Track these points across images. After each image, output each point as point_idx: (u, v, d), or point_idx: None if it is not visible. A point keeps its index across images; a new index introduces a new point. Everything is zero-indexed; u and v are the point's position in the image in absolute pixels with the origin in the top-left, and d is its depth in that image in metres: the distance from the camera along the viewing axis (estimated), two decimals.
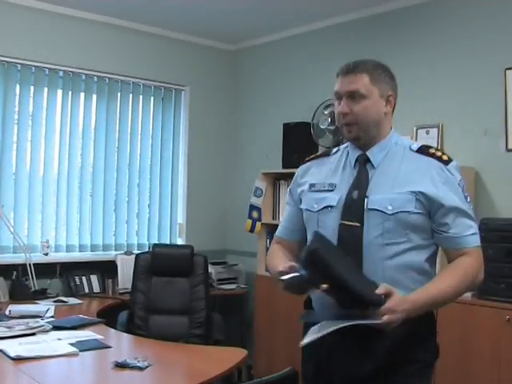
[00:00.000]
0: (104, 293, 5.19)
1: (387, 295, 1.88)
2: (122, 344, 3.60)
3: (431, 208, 2.07)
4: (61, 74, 5.29)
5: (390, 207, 2.06)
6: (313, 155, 2.42)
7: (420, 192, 2.06)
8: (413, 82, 4.72)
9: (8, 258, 4.86)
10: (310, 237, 2.23)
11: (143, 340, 3.76)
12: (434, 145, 4.57)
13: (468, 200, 2.12)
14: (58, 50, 5.19)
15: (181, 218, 6.07)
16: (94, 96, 5.49)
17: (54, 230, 5.26)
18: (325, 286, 1.88)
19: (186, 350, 3.51)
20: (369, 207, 2.09)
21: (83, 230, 5.41)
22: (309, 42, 5.60)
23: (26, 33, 5.02)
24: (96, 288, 5.19)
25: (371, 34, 5.10)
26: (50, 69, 5.21)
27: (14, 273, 4.76)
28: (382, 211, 2.07)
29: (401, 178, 2.11)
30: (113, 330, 3.76)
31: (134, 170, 5.75)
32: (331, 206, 2.17)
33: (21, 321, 3.61)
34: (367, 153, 2.18)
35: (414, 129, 4.68)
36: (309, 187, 2.28)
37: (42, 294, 4.76)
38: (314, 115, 5.06)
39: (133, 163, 5.73)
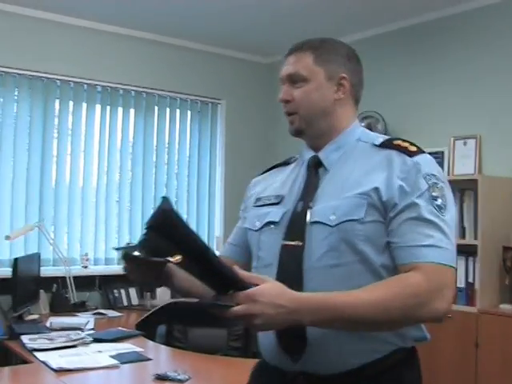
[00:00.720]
0: (142, 305, 5.20)
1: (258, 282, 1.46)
2: (161, 356, 3.59)
3: (388, 214, 1.58)
4: (99, 89, 5.35)
5: (332, 217, 1.59)
6: (274, 164, 2.00)
7: (373, 190, 1.57)
8: (451, 92, 4.67)
9: (48, 271, 4.90)
10: (254, 261, 1.80)
11: (182, 352, 3.74)
12: (472, 156, 4.51)
13: (438, 203, 1.58)
14: (97, 65, 5.25)
15: (218, 231, 6.06)
16: (132, 110, 5.54)
17: (93, 244, 5.29)
18: (178, 257, 1.44)
19: (224, 362, 3.49)
20: (311, 220, 1.64)
21: (122, 243, 5.43)
22: None
23: (66, 49, 5.10)
24: (134, 301, 5.19)
25: (411, 44, 5.06)
26: (88, 84, 5.28)
27: (55, 285, 4.80)
28: (324, 223, 1.61)
29: (352, 179, 1.64)
30: (152, 343, 3.75)
31: (172, 183, 5.77)
32: (273, 223, 1.73)
33: (62, 333, 3.63)
34: (319, 154, 1.75)
35: (452, 140, 4.61)
36: (254, 201, 1.86)
37: (81, 307, 4.79)
38: None
39: (170, 177, 5.75)
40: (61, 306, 4.69)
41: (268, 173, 1.96)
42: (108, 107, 5.39)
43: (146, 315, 1.26)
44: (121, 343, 3.52)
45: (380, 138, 1.72)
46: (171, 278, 1.67)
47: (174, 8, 4.87)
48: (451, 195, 1.64)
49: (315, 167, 1.75)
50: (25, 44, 4.91)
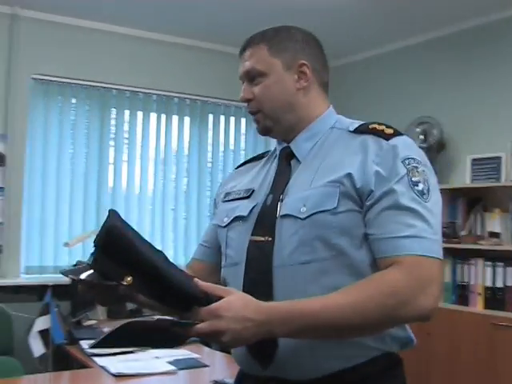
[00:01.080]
0: None
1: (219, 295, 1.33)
2: (218, 363, 3.56)
3: (363, 202, 1.44)
4: (154, 97, 5.39)
5: (303, 209, 1.46)
6: (245, 160, 1.90)
7: (346, 177, 1.44)
8: (509, 97, 4.54)
9: None
10: (223, 260, 1.67)
11: None
12: None
13: (420, 188, 1.43)
14: (152, 74, 5.29)
15: None
16: (187, 118, 5.56)
17: None
18: (129, 278, 1.29)
19: None
20: (281, 214, 1.51)
21: (178, 250, 5.46)
22: (409, 56, 5.44)
23: (122, 59, 5.16)
24: None
25: (468, 48, 4.93)
26: (144, 93, 5.32)
27: None
28: (295, 216, 1.47)
29: (324, 167, 1.51)
30: (208, 349, 3.74)
31: None
32: (242, 218, 1.61)
33: None
34: (291, 144, 1.62)
35: (510, 145, 4.47)
36: (224, 196, 1.74)
37: (137, 313, 4.80)
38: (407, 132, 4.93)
39: None
40: (118, 312, 4.71)
41: (240, 168, 1.85)
42: (163, 115, 5.42)
43: (100, 338, 1.15)
44: (178, 349, 3.51)
45: (355, 124, 1.58)
46: (135, 296, 1.52)
47: (231, 17, 4.87)
48: (434, 179, 1.50)
49: (287, 159, 1.62)
50: (82, 54, 4.99)
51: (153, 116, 5.40)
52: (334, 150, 1.54)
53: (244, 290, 1.47)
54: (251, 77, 1.61)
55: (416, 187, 1.43)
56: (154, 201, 5.35)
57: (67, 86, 5.00)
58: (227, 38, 5.37)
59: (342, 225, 1.43)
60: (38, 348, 3.34)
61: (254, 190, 1.64)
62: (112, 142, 5.20)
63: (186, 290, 1.31)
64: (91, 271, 1.36)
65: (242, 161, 1.93)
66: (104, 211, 5.04)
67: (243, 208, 1.62)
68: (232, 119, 5.80)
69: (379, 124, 1.54)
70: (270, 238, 1.50)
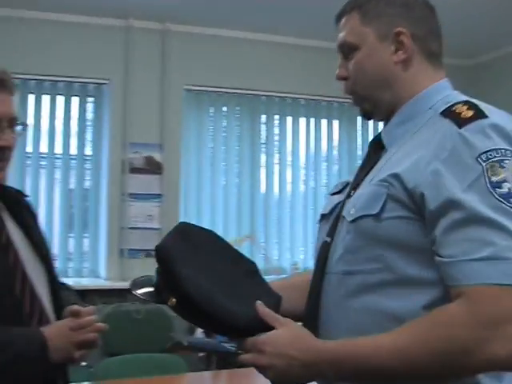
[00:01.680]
0: None
1: (268, 326, 1.19)
2: None
3: (420, 208, 1.15)
4: (302, 102, 5.39)
5: (352, 210, 1.24)
6: None
7: (392, 177, 1.17)
8: None
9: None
10: None
11: None
12: None
13: (503, 191, 1.08)
14: (300, 80, 5.28)
15: None
16: (336, 121, 5.50)
17: (303, 254, 5.30)
18: (173, 300, 1.24)
19: None
20: (342, 213, 1.30)
21: None
22: None
23: (268, 66, 5.20)
24: None
25: None
26: (292, 98, 5.34)
27: None
28: (345, 217, 1.27)
29: (393, 160, 1.24)
30: None
31: None
32: (324, 215, 1.42)
33: None
34: (381, 130, 1.36)
35: None
36: (332, 189, 1.53)
37: None
38: None
39: None
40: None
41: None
42: (312, 119, 5.40)
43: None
44: None
45: (449, 103, 1.23)
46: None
47: None
48: None
49: (375, 148, 1.36)
50: (230, 64, 5.10)
51: (302, 120, 5.40)
52: (414, 139, 1.25)
53: (307, 297, 1.35)
54: (345, 51, 1.36)
55: (498, 190, 1.09)
56: (305, 204, 5.34)
57: (218, 95, 5.13)
58: None
59: (387, 234, 1.18)
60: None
61: (348, 183, 1.42)
62: (263, 147, 5.27)
63: (230, 321, 1.22)
64: (150, 288, 1.34)
65: None
66: (257, 215, 5.11)
67: (328, 205, 1.43)
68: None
69: (465, 103, 1.21)
70: (330, 240, 1.31)
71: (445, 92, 1.31)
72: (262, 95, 5.26)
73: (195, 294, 1.22)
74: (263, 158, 5.25)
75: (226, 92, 5.13)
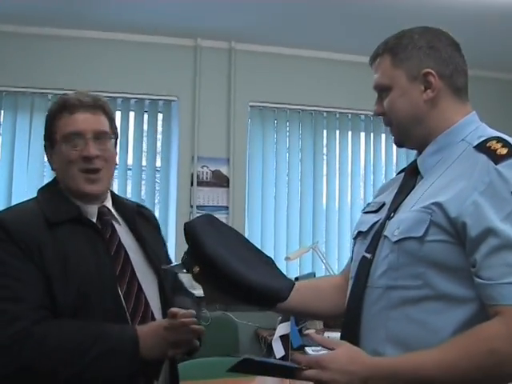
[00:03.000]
0: None
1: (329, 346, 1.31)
2: None
3: (460, 234, 1.28)
4: (362, 117, 5.44)
5: (396, 232, 1.37)
6: (402, 169, 1.72)
7: (436, 205, 1.30)
8: None
9: None
10: None
11: None
12: None
13: None
14: (359, 96, 5.31)
15: None
16: None
17: None
18: (197, 268, 1.39)
19: None
20: (384, 233, 1.42)
21: None
22: None
23: (330, 83, 5.27)
24: None
25: None
26: (352, 114, 5.39)
27: None
28: (389, 238, 1.39)
29: (433, 188, 1.37)
30: None
31: None
32: (361, 232, 1.55)
33: None
34: (418, 158, 1.48)
35: None
36: (364, 208, 1.68)
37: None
38: None
39: None
40: (334, 322, 4.76)
41: (395, 177, 1.71)
42: (371, 134, 5.45)
43: (231, 366, 1.25)
44: None
45: (481, 138, 1.37)
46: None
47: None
48: None
49: (413, 173, 1.50)
50: (292, 80, 5.18)
51: (362, 135, 5.45)
52: (451, 169, 1.38)
53: (346, 307, 1.49)
54: (379, 91, 1.51)
55: None
56: None
57: (281, 111, 5.22)
58: None
59: (429, 255, 1.31)
60: (279, 351, 3.49)
61: (384, 204, 1.55)
62: (324, 161, 5.33)
63: (244, 284, 1.37)
64: (177, 262, 1.52)
65: None
66: (319, 226, 5.17)
67: (366, 223, 1.55)
68: None
69: (498, 140, 1.33)
70: (371, 257, 1.44)
71: (474, 125, 1.45)
72: (323, 111, 5.32)
73: (215, 259, 1.37)
74: (324, 170, 5.31)
75: (289, 108, 5.22)
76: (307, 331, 4.44)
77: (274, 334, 3.51)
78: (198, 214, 4.81)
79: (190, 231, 1.44)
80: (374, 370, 1.28)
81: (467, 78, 1.49)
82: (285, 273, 4.89)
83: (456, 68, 1.46)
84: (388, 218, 1.46)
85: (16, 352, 1.46)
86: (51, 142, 1.72)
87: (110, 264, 1.64)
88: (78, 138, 1.67)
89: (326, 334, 4.26)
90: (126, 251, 1.70)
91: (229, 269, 1.40)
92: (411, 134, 1.48)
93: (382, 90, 1.50)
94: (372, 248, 1.46)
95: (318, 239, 5.06)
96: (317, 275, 4.95)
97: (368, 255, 1.45)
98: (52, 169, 1.77)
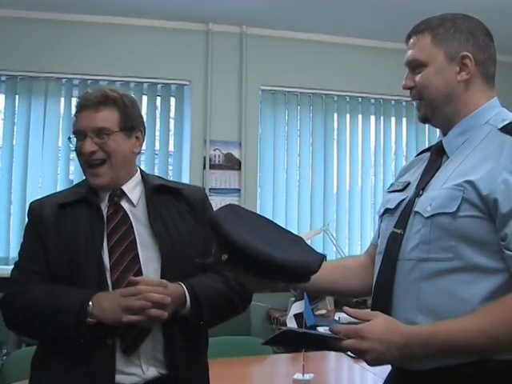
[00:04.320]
0: None
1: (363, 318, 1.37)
2: None
3: (491, 210, 1.34)
4: (372, 101, 5.40)
5: (428, 208, 1.42)
6: (421, 150, 1.79)
7: (468, 183, 1.36)
8: None
9: None
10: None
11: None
12: None
13: None
14: (369, 80, 5.29)
15: None
16: (404, 120, 5.49)
17: None
18: (225, 255, 1.44)
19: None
20: (415, 209, 1.48)
21: None
22: None
23: (339, 66, 5.24)
24: None
25: None
26: (363, 97, 5.36)
27: None
28: (421, 214, 1.45)
29: (462, 167, 1.43)
30: None
31: None
32: (389, 210, 1.60)
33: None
34: (443, 139, 1.54)
35: None
36: (389, 187, 1.73)
37: (362, 304, 4.79)
38: None
39: None
40: (344, 303, 4.75)
41: (416, 157, 1.75)
42: (381, 118, 5.41)
43: (268, 339, 1.27)
44: None
45: (506, 121, 1.44)
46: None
47: None
48: None
49: (439, 154, 1.55)
50: (303, 65, 5.15)
51: (372, 118, 5.42)
52: (478, 149, 1.44)
53: (376, 280, 1.55)
54: (414, 66, 1.55)
55: None
56: (375, 197, 5.37)
57: (292, 95, 5.19)
58: None
59: (461, 229, 1.37)
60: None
61: (409, 183, 1.60)
62: (335, 145, 5.31)
63: (273, 259, 1.40)
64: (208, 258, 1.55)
65: None
66: (330, 208, 5.16)
67: (393, 201, 1.60)
68: None
69: None
70: (402, 232, 1.49)
71: (496, 109, 1.51)
72: (334, 95, 5.29)
73: (239, 242, 1.40)
74: (335, 153, 5.29)
75: (300, 92, 5.19)
76: (319, 312, 4.45)
77: (285, 315, 3.51)
78: (211, 197, 4.82)
79: (212, 222, 1.47)
80: (410, 337, 1.34)
81: (496, 68, 1.55)
82: None
83: (490, 56, 1.53)
84: (417, 195, 1.51)
85: (9, 308, 1.76)
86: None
87: (101, 237, 1.76)
88: (80, 135, 1.82)
89: (338, 314, 4.26)
90: (128, 226, 1.81)
91: (253, 250, 1.42)
92: (439, 110, 1.52)
93: (417, 66, 1.53)
94: (402, 224, 1.50)
95: (328, 221, 5.05)
96: (328, 257, 4.93)
97: (398, 230, 1.50)
98: None
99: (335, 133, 5.31)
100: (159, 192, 1.90)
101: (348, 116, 5.35)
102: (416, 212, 1.47)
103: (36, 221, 1.82)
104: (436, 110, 1.53)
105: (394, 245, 1.50)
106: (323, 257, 1.56)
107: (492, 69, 1.54)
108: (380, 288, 1.53)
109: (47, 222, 1.79)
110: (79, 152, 1.82)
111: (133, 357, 1.72)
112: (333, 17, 4.81)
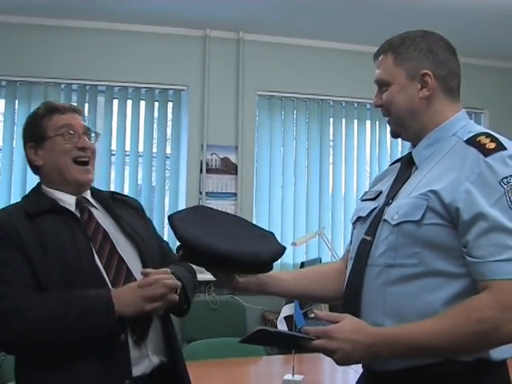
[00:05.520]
0: None
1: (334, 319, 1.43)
2: None
3: (453, 218, 1.40)
4: (368, 106, 5.42)
5: (395, 216, 1.48)
6: (394, 160, 1.83)
7: (431, 192, 1.42)
8: None
9: None
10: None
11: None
12: None
13: None
14: (365, 85, 5.23)
15: None
16: None
17: None
18: (181, 251, 1.58)
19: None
20: (383, 217, 1.53)
21: None
22: None
23: (336, 72, 5.27)
24: None
25: None
26: (358, 103, 5.39)
27: None
28: (388, 221, 1.50)
29: (427, 177, 1.49)
30: None
31: None
32: (361, 217, 1.66)
33: None
34: (412, 150, 1.60)
35: None
36: (363, 195, 1.78)
37: None
38: None
39: None
40: (339, 307, 4.78)
41: (390, 167, 1.80)
42: (377, 122, 5.44)
43: (243, 337, 1.37)
44: None
45: (471, 133, 1.50)
46: (264, 285, 1.75)
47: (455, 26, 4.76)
48: None
49: (408, 164, 1.61)
50: (299, 70, 5.19)
51: (368, 124, 5.45)
52: (443, 161, 1.50)
53: (346, 284, 1.62)
54: (380, 85, 1.62)
55: None
56: None
57: (289, 100, 5.23)
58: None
59: (425, 236, 1.42)
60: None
61: (381, 192, 1.66)
62: (331, 150, 5.35)
63: (212, 251, 1.54)
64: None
65: None
66: (325, 212, 5.19)
67: (365, 209, 1.65)
68: None
69: (487, 136, 1.47)
70: (371, 239, 1.55)
71: (464, 121, 1.57)
72: (330, 100, 5.33)
73: (185, 237, 1.56)
74: (331, 158, 5.32)
75: (296, 97, 5.23)
76: (312, 315, 4.48)
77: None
78: (208, 201, 4.86)
79: (169, 220, 1.62)
80: (376, 338, 1.40)
81: (460, 81, 1.61)
82: (291, 258, 4.97)
83: (451, 71, 1.58)
84: (386, 204, 1.57)
85: (6, 325, 1.63)
86: (40, 139, 1.87)
87: (86, 242, 1.77)
88: (72, 130, 1.86)
89: None
90: (104, 230, 1.84)
91: (197, 242, 1.55)
92: (406, 126, 1.59)
93: (383, 85, 1.60)
94: (371, 231, 1.57)
95: (323, 225, 5.09)
96: (323, 260, 4.97)
97: (368, 237, 1.57)
98: (34, 168, 1.92)
99: (331, 137, 5.34)
100: (111, 199, 2.00)
101: (344, 121, 5.38)
102: (385, 220, 1.53)
103: (6, 234, 1.72)
104: (403, 125, 1.59)
105: (363, 251, 1.57)
106: (280, 248, 1.69)
107: (455, 82, 1.59)
108: (349, 292, 1.59)
109: (23, 233, 1.72)
110: (73, 147, 1.85)
111: (142, 347, 1.76)
112: (329, 23, 4.86)
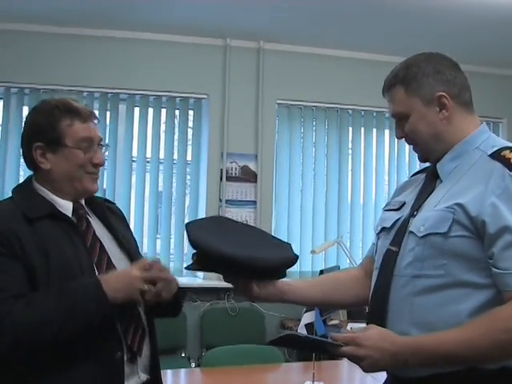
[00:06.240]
0: None
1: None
2: None
3: (479, 230, 1.42)
4: (386, 115, 5.39)
5: (422, 228, 1.51)
6: (418, 170, 1.86)
7: (458, 205, 1.44)
8: None
9: None
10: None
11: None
12: None
13: None
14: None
15: None
16: None
17: None
18: (195, 258, 1.62)
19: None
20: (409, 229, 1.56)
21: None
22: None
23: (356, 82, 5.26)
24: None
25: None
26: (377, 112, 5.39)
27: None
28: (415, 233, 1.53)
29: (453, 190, 1.51)
30: None
31: None
32: (385, 229, 1.68)
33: None
34: (437, 164, 1.61)
35: None
36: (385, 205, 1.80)
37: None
38: None
39: None
40: (357, 314, 4.77)
41: (412, 178, 1.82)
42: None
43: (272, 339, 1.38)
44: None
45: (495, 148, 1.52)
46: (283, 294, 1.76)
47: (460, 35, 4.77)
48: None
49: (433, 177, 1.63)
50: (318, 79, 5.20)
51: (386, 132, 5.45)
52: (468, 174, 1.53)
53: (372, 294, 1.64)
54: (398, 118, 1.63)
55: None
56: None
57: (308, 109, 5.26)
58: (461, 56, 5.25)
59: (452, 248, 1.45)
60: None
61: (404, 203, 1.68)
62: (349, 158, 5.36)
63: (217, 255, 1.57)
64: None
65: None
66: (344, 221, 5.20)
67: (389, 220, 1.68)
68: None
69: (511, 150, 1.49)
70: (397, 249, 1.58)
71: (485, 135, 1.60)
72: (349, 109, 5.35)
73: (197, 241, 1.60)
74: (349, 167, 5.34)
75: (316, 106, 5.25)
76: (331, 322, 4.49)
77: (299, 324, 3.55)
78: (228, 209, 4.89)
79: (186, 230, 1.66)
80: (401, 346, 1.43)
81: (470, 91, 1.64)
82: (310, 266, 4.97)
83: (462, 86, 1.61)
84: (412, 215, 1.59)
85: (1, 333, 1.55)
86: (54, 144, 1.76)
87: (87, 254, 1.73)
88: (90, 144, 1.79)
89: (350, 325, 4.30)
90: (100, 241, 1.79)
91: (207, 247, 1.59)
92: (433, 149, 1.61)
93: (401, 118, 1.62)
94: (397, 242, 1.59)
95: (342, 233, 5.10)
96: (341, 268, 4.98)
97: (393, 248, 1.59)
98: (34, 167, 1.80)
99: (350, 146, 5.36)
100: (100, 206, 1.95)
101: (363, 130, 5.39)
102: (410, 231, 1.55)
103: (4, 236, 1.62)
104: (430, 150, 1.61)
105: (389, 261, 1.59)
106: (295, 257, 1.71)
107: (467, 94, 1.62)
108: (376, 302, 1.62)
109: (23, 238, 1.63)
110: (89, 161, 1.78)
111: (134, 364, 1.74)
112: (348, 32, 4.87)
